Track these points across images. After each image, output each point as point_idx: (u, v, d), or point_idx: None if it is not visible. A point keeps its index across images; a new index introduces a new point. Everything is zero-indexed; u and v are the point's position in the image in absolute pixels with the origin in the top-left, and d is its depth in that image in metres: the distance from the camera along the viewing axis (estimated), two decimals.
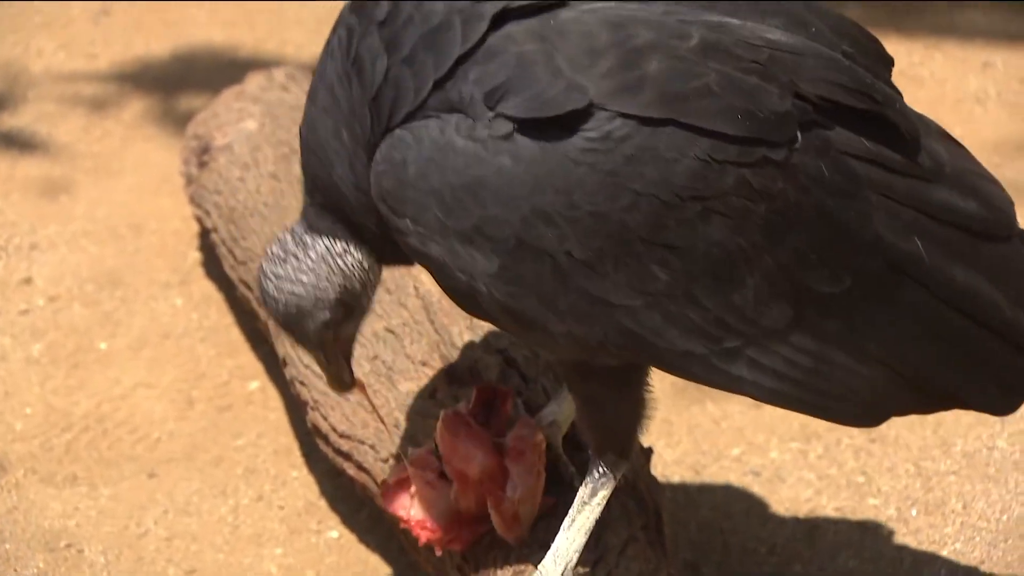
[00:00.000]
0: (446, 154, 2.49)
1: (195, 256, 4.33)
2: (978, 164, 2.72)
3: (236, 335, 4.09)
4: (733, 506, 3.57)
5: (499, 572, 2.92)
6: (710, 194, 2.47)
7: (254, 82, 4.29)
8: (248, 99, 4.21)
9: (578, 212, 2.47)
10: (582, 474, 2.85)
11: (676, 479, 3.62)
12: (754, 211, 2.50)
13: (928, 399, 2.70)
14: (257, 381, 3.96)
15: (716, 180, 2.47)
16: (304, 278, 2.77)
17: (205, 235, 4.17)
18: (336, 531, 3.58)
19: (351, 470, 3.34)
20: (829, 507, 3.54)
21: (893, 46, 4.89)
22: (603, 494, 2.80)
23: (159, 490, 3.67)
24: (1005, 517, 3.52)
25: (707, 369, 2.60)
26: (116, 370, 4.00)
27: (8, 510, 3.61)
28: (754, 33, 2.56)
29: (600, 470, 2.80)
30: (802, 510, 3.55)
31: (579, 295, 2.52)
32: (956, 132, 4.53)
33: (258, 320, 3.86)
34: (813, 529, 3.51)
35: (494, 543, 2.95)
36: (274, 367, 3.85)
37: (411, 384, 3.29)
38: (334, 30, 2.69)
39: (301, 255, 2.77)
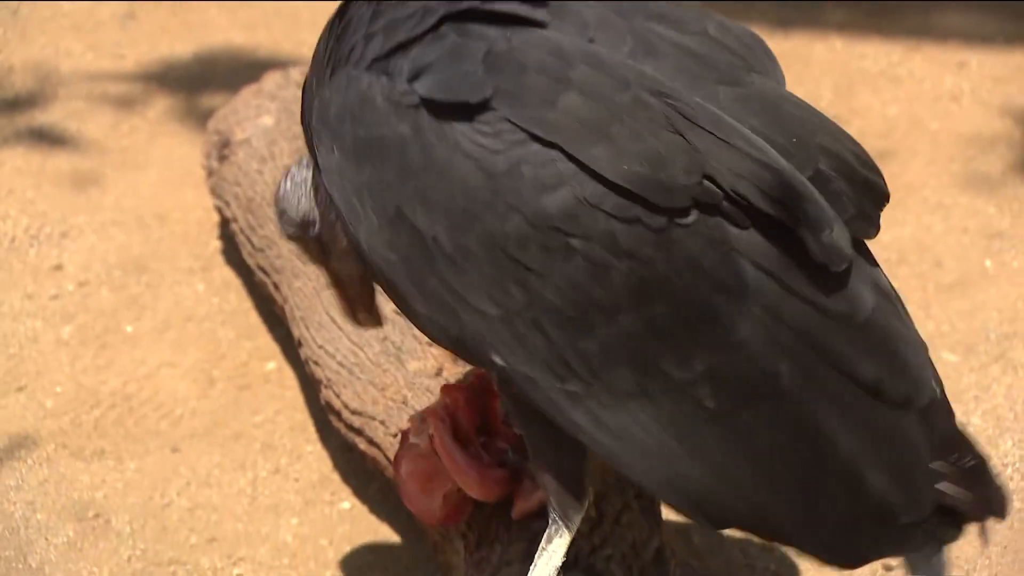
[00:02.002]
0: (363, 106, 2.48)
1: (216, 244, 4.36)
2: (910, 330, 2.52)
3: (254, 318, 4.13)
4: None
5: (500, 540, 2.94)
6: (575, 233, 2.37)
7: (271, 80, 4.31)
8: (266, 96, 4.23)
9: (453, 204, 2.41)
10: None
11: None
12: (616, 267, 2.37)
13: (759, 523, 2.51)
14: (274, 362, 4.00)
15: (584, 221, 2.37)
16: (291, 195, 2.86)
17: (225, 224, 4.21)
18: (348, 502, 3.63)
19: (362, 445, 3.38)
20: None
21: (874, 47, 5.02)
22: (558, 541, 2.71)
23: (182, 464, 3.72)
24: None
25: (548, 403, 2.48)
26: (142, 351, 4.03)
27: (40, 482, 3.67)
28: (702, 113, 2.41)
29: (555, 518, 2.69)
30: None
31: (441, 283, 2.46)
32: (933, 128, 4.72)
33: (275, 304, 3.89)
34: None
35: (494, 512, 2.98)
36: (290, 348, 3.89)
37: (418, 363, 3.35)
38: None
39: (298, 178, 2.86)
